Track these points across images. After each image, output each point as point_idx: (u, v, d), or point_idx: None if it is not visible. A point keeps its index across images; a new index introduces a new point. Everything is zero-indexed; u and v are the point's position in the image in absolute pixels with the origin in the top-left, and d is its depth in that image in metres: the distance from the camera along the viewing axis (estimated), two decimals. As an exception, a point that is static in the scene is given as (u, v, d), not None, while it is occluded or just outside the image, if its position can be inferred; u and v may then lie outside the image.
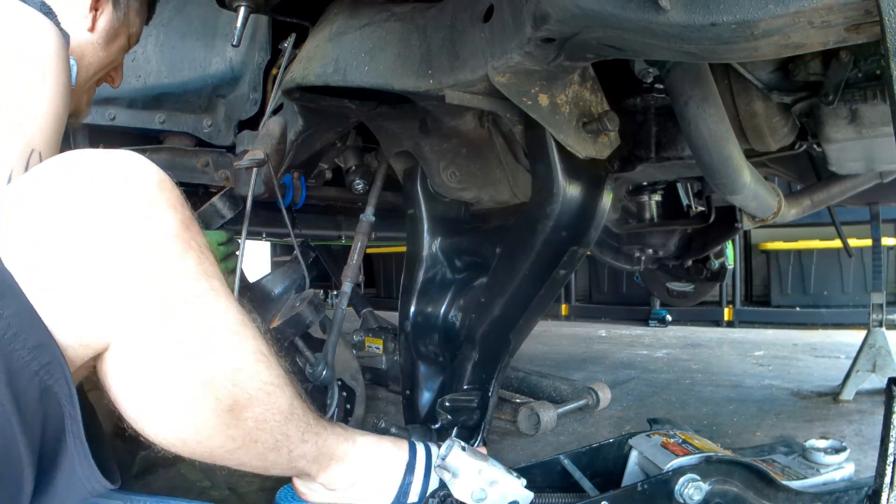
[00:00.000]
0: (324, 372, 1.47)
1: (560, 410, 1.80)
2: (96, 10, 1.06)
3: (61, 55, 0.84)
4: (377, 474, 0.93)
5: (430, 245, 1.44)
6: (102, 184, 0.66)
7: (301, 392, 0.84)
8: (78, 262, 0.62)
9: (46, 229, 0.62)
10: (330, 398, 1.37)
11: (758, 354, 3.15)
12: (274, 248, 5.80)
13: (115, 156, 0.69)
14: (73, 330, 0.63)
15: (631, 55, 1.04)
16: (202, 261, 0.71)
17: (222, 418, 0.72)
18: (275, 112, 1.41)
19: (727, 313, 4.59)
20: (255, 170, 1.26)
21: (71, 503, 0.65)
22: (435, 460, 0.96)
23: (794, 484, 0.97)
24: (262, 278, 1.40)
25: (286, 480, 0.97)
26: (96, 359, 0.67)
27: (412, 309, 1.41)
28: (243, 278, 1.32)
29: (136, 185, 0.67)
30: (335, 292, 6.29)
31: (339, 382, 1.45)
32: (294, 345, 1.44)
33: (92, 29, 1.06)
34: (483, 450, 1.04)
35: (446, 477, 0.91)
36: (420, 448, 0.98)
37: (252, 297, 1.28)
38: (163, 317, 0.67)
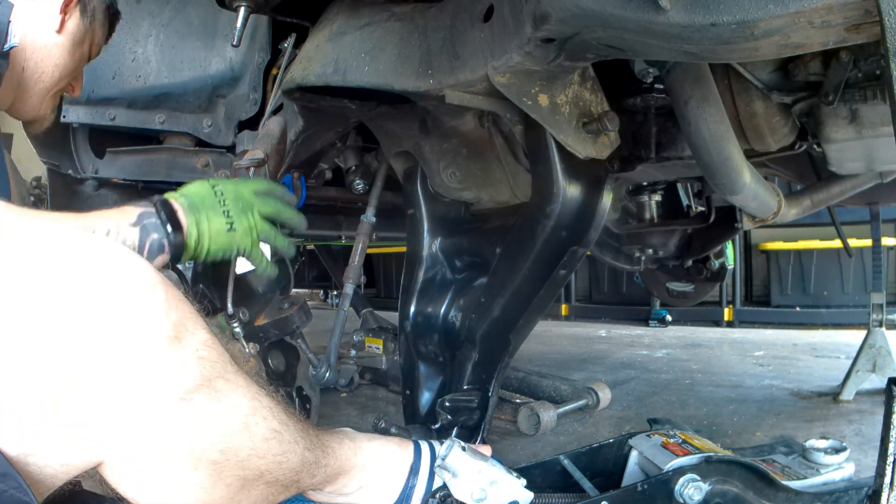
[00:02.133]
0: (327, 374, 1.47)
1: (560, 410, 1.80)
2: (65, 13, 1.07)
3: None
4: (382, 477, 0.93)
5: (430, 245, 1.44)
6: (81, 287, 0.60)
7: (310, 430, 0.83)
8: (48, 381, 0.57)
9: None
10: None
11: (758, 354, 3.15)
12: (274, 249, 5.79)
13: (102, 258, 0.63)
14: (53, 456, 0.59)
15: (631, 55, 1.04)
16: (201, 360, 0.67)
17: (233, 499, 0.72)
18: (275, 112, 1.41)
19: (727, 313, 4.58)
20: (252, 169, 1.26)
21: None
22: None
23: (794, 484, 0.97)
24: (249, 273, 1.40)
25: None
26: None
27: (412, 309, 1.41)
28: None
29: (123, 295, 0.62)
30: (335, 292, 6.31)
31: (300, 390, 1.45)
32: (296, 347, 1.44)
33: (60, 31, 1.07)
34: (487, 449, 1.04)
35: (446, 477, 0.91)
36: (425, 449, 0.98)
37: (238, 290, 1.28)
38: (158, 425, 0.63)
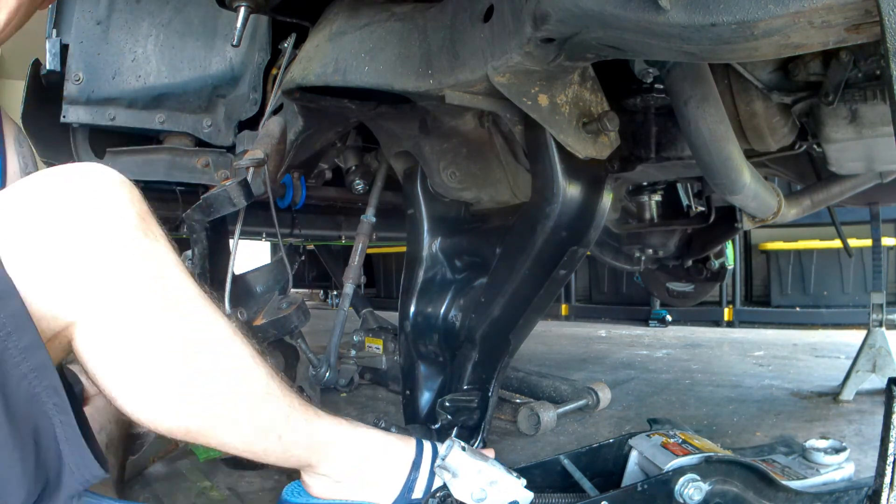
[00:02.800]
0: (327, 374, 1.47)
1: (560, 410, 1.80)
2: None
3: None
4: (383, 468, 0.93)
5: (430, 245, 1.44)
6: (70, 193, 0.71)
7: (279, 376, 0.85)
8: (49, 249, 0.68)
9: (29, 229, 0.69)
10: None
11: (758, 354, 3.15)
12: (274, 248, 5.80)
13: (80, 168, 0.75)
14: (44, 302, 0.67)
15: (631, 55, 1.04)
16: (157, 244, 0.76)
17: (189, 388, 0.74)
18: (275, 112, 1.41)
19: (727, 313, 4.58)
20: (251, 169, 1.26)
21: (63, 498, 0.66)
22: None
23: (794, 484, 0.97)
24: (247, 273, 1.40)
25: (287, 479, 0.97)
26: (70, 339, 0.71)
27: (412, 309, 1.41)
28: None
29: (96, 190, 0.73)
30: (335, 292, 6.32)
31: (301, 390, 1.45)
32: (296, 347, 1.44)
33: None
34: (491, 452, 1.04)
35: (446, 477, 0.91)
36: (427, 445, 0.99)
37: (237, 290, 1.28)
38: (120, 292, 0.71)
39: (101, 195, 0.73)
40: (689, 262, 2.27)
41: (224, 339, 0.79)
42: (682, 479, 0.89)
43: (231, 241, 1.34)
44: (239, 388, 0.78)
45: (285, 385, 0.85)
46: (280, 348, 1.41)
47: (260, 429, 0.81)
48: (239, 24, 1.08)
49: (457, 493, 0.90)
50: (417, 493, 0.94)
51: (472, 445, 1.07)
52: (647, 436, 1.04)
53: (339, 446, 0.90)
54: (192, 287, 0.78)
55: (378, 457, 0.93)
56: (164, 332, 0.73)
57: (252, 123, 1.53)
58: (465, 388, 1.27)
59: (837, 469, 1.03)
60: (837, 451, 1.04)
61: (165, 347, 0.73)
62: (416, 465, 0.95)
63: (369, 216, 1.63)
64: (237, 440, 0.80)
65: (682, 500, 0.89)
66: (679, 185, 2.08)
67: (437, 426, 1.24)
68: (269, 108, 1.42)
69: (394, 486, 0.93)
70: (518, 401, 1.88)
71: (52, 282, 0.67)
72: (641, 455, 1.02)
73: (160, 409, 0.74)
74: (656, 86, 1.21)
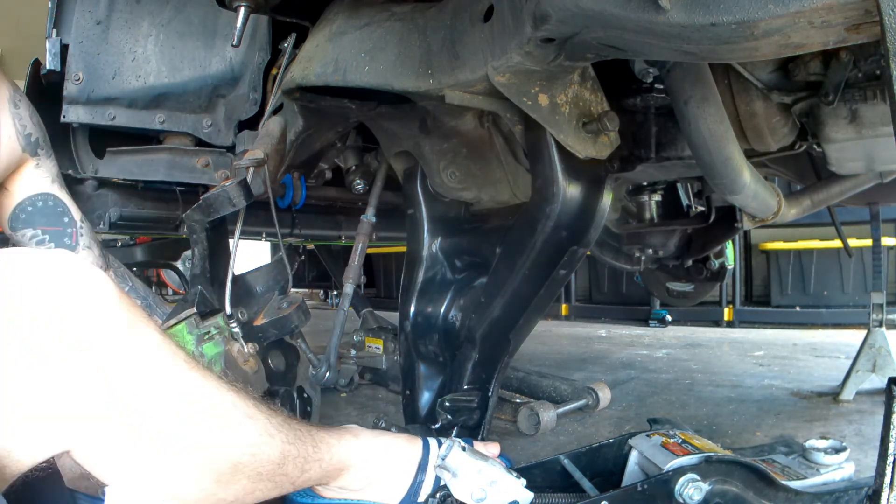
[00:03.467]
0: (327, 374, 1.47)
1: (560, 410, 1.80)
2: None
3: None
4: (390, 472, 0.93)
5: (430, 245, 1.43)
6: (38, 295, 0.63)
7: (294, 424, 0.82)
8: (37, 378, 0.60)
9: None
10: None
11: (758, 354, 3.15)
12: (274, 248, 5.80)
13: (50, 270, 0.65)
14: (18, 446, 0.60)
15: (631, 55, 1.04)
16: (160, 345, 0.70)
17: (210, 491, 0.71)
18: (275, 112, 1.41)
19: (727, 313, 4.58)
20: (251, 169, 1.26)
21: None
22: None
23: (794, 484, 0.97)
24: (247, 273, 1.40)
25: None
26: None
27: (412, 309, 1.41)
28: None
29: (76, 293, 0.65)
30: (335, 292, 6.31)
31: (301, 390, 1.45)
32: (296, 347, 1.44)
33: None
34: (496, 446, 1.04)
35: (446, 477, 0.91)
36: (433, 446, 0.98)
37: (237, 290, 1.28)
38: (123, 410, 0.65)
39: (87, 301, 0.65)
40: (689, 262, 2.27)
41: (238, 434, 0.74)
42: (682, 479, 0.89)
43: (231, 241, 1.34)
44: (257, 470, 0.75)
45: (297, 432, 0.82)
46: (280, 348, 1.41)
47: (277, 487, 0.80)
48: (239, 24, 1.08)
49: (457, 493, 0.90)
50: (424, 494, 0.94)
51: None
52: (647, 436, 1.04)
53: (349, 468, 0.90)
54: (197, 384, 0.72)
55: (383, 461, 0.93)
56: (169, 453, 0.68)
57: (252, 123, 1.52)
58: (465, 388, 1.27)
59: (837, 469, 1.03)
60: (837, 451, 1.04)
61: (176, 467, 0.69)
62: (422, 466, 0.95)
63: (369, 216, 1.63)
64: (255, 500, 0.78)
65: (682, 500, 0.89)
66: (679, 185, 2.08)
67: (437, 426, 1.24)
68: (269, 108, 1.42)
69: (400, 486, 0.93)
70: (518, 401, 1.88)
71: (33, 420, 0.60)
72: (641, 455, 1.02)
73: (186, 495, 0.71)
74: (656, 86, 1.21)
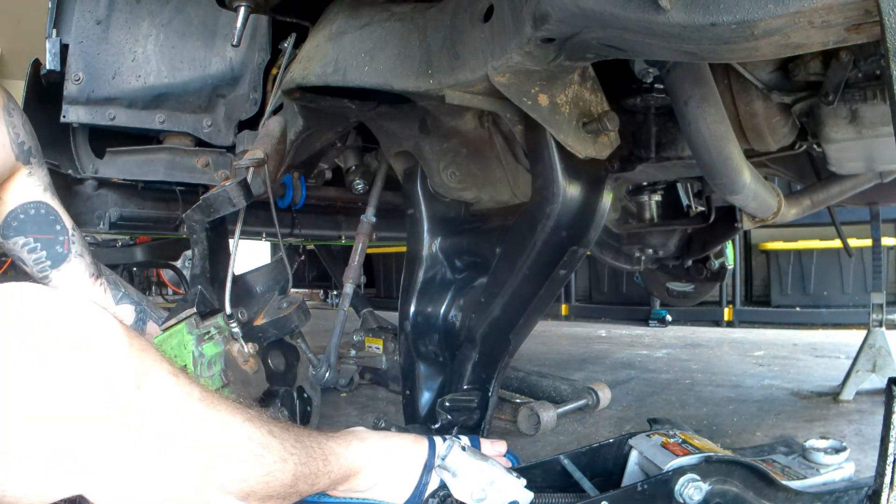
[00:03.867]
0: (327, 374, 1.47)
1: (560, 410, 1.80)
2: None
3: None
4: (397, 473, 0.94)
5: (430, 245, 1.44)
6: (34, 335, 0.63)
7: (307, 440, 0.83)
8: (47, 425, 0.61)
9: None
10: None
11: (758, 354, 3.15)
12: (274, 248, 5.80)
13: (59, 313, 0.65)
14: (30, 488, 0.61)
15: (631, 55, 1.04)
16: (175, 385, 0.70)
17: None
18: (275, 112, 1.41)
19: (727, 313, 4.58)
20: (251, 169, 1.26)
21: None
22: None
23: (794, 484, 0.97)
24: (247, 273, 1.40)
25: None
26: None
27: (412, 309, 1.41)
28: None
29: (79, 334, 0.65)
30: (335, 292, 6.31)
31: (301, 390, 1.45)
32: (296, 347, 1.44)
33: None
34: (503, 444, 1.04)
35: (446, 477, 0.91)
36: (439, 445, 0.98)
37: (237, 290, 1.28)
38: (133, 451, 0.65)
39: (95, 350, 0.64)
40: (689, 262, 2.27)
41: (251, 468, 0.74)
42: (682, 479, 0.89)
43: (231, 241, 1.34)
44: (270, 493, 0.76)
45: (309, 448, 0.82)
46: (280, 348, 1.41)
47: (286, 500, 0.80)
48: (239, 24, 1.08)
49: (457, 493, 0.90)
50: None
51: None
52: (647, 436, 1.04)
53: (356, 474, 0.90)
54: (209, 413, 0.72)
55: (389, 462, 0.93)
56: (187, 488, 0.69)
57: (252, 123, 1.53)
58: (465, 387, 1.27)
59: (837, 469, 1.03)
60: (837, 451, 1.04)
61: (198, 487, 0.69)
62: (427, 467, 0.95)
63: (369, 216, 1.63)
64: None
65: (682, 500, 0.89)
66: (679, 185, 2.08)
67: (437, 426, 1.24)
68: (269, 108, 1.42)
69: (406, 486, 0.93)
70: (518, 401, 1.88)
71: (45, 460, 0.61)
72: (641, 455, 1.02)
73: None
74: (656, 86, 1.21)
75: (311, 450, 0.83)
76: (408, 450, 0.96)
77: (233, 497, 0.72)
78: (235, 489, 0.72)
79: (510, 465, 1.03)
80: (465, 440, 1.03)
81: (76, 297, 0.67)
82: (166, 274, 7.07)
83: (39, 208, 1.21)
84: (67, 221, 1.25)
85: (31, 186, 1.20)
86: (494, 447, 1.06)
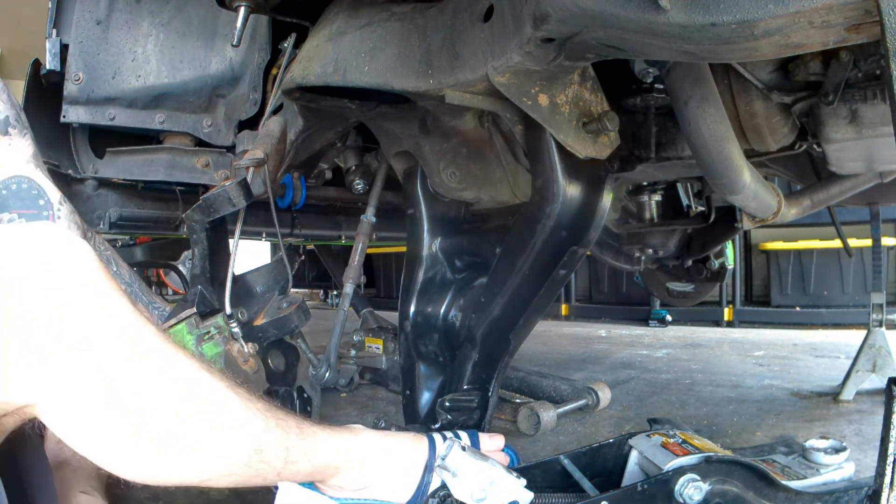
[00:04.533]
0: (327, 374, 1.47)
1: (560, 410, 1.80)
2: None
3: None
4: (394, 473, 0.92)
5: (430, 245, 1.43)
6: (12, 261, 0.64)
7: (280, 414, 0.80)
8: None
9: None
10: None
11: (758, 354, 3.15)
12: (274, 248, 5.80)
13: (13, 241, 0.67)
14: None
15: (631, 55, 1.04)
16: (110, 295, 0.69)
17: (177, 463, 0.70)
18: (275, 112, 1.41)
19: (727, 313, 4.58)
20: (251, 169, 1.26)
21: None
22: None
23: (794, 484, 0.97)
24: (247, 273, 1.40)
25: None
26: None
27: (412, 309, 1.41)
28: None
29: (53, 261, 0.66)
30: (335, 292, 6.31)
31: (301, 390, 1.45)
32: (296, 347, 1.44)
33: None
34: (500, 438, 1.04)
35: (446, 477, 0.91)
36: (439, 446, 0.98)
37: (237, 290, 1.28)
38: (84, 368, 0.64)
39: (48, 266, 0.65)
40: (689, 262, 2.27)
41: (210, 388, 0.72)
42: (682, 479, 0.89)
43: (231, 241, 1.34)
44: (230, 452, 0.73)
45: (282, 421, 0.80)
46: (280, 348, 1.42)
47: (258, 475, 0.77)
48: (239, 24, 1.08)
49: (457, 493, 0.90)
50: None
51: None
52: (647, 436, 1.04)
53: (342, 469, 0.88)
54: (160, 338, 0.71)
55: (388, 463, 0.92)
56: (133, 414, 0.66)
57: (252, 123, 1.53)
58: (465, 387, 1.27)
59: (837, 469, 1.03)
60: (837, 451, 1.04)
61: (141, 429, 0.67)
62: (429, 467, 0.95)
63: (369, 216, 1.63)
64: (239, 485, 0.77)
65: (682, 500, 0.89)
66: (679, 185, 2.08)
67: (437, 426, 1.24)
68: (269, 108, 1.42)
69: (408, 486, 0.92)
70: (518, 401, 1.88)
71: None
72: (641, 455, 1.02)
73: (150, 474, 0.69)
74: (656, 86, 1.21)
75: (284, 422, 0.80)
76: (407, 449, 0.95)
77: (188, 441, 0.70)
78: (191, 436, 0.70)
79: (509, 462, 1.03)
80: (464, 436, 1.03)
81: (78, 289, 0.66)
82: (167, 274, 7.07)
83: (21, 182, 1.17)
84: (53, 195, 1.21)
85: (12, 159, 1.17)
86: (493, 441, 1.05)
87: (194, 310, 1.21)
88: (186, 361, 0.72)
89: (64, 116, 1.42)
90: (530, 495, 0.92)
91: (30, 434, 0.69)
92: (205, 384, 0.73)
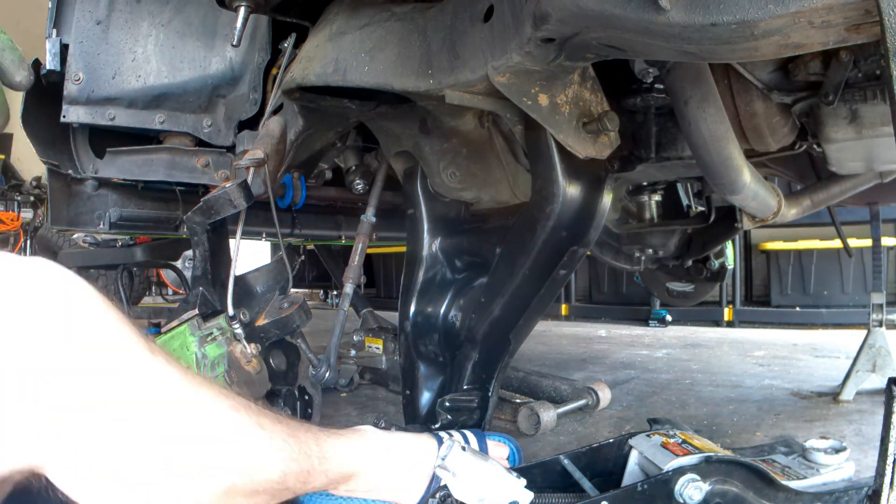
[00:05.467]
0: (327, 374, 1.47)
1: (560, 410, 1.80)
2: None
3: None
4: (404, 474, 0.92)
5: (430, 245, 1.43)
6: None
7: (302, 436, 0.80)
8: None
9: None
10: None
11: (758, 354, 3.15)
12: (274, 248, 5.80)
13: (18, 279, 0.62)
14: None
15: (631, 55, 1.04)
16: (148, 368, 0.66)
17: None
18: (275, 112, 1.41)
19: (727, 313, 4.59)
20: (251, 170, 1.26)
21: None
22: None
23: (794, 484, 0.97)
24: (247, 273, 1.40)
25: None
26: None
27: (412, 309, 1.41)
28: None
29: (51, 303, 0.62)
30: (335, 292, 6.31)
31: (302, 389, 1.45)
32: (297, 346, 1.45)
33: None
34: (505, 449, 1.04)
35: (446, 477, 0.91)
36: (447, 447, 0.97)
37: (237, 291, 1.28)
38: (98, 428, 0.61)
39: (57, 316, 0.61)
40: (689, 262, 2.27)
41: (237, 430, 0.71)
42: (682, 479, 0.89)
43: (232, 242, 1.34)
44: (256, 487, 0.72)
45: (303, 444, 0.79)
46: (282, 348, 1.42)
47: (276, 498, 0.77)
48: (239, 24, 1.08)
49: (457, 493, 0.90)
50: None
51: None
52: (647, 436, 1.04)
53: (355, 475, 0.88)
54: (175, 377, 0.68)
55: (398, 463, 0.92)
56: (155, 477, 0.64)
57: (252, 123, 1.53)
58: (465, 387, 1.27)
59: (837, 469, 1.03)
60: (837, 451, 1.04)
61: (165, 492, 0.65)
62: None
63: (369, 216, 1.63)
64: None
65: (682, 500, 0.89)
66: (679, 185, 2.08)
67: (437, 426, 1.24)
68: (269, 108, 1.42)
69: (417, 488, 0.93)
70: (518, 401, 1.88)
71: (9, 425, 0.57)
72: (641, 455, 1.02)
73: None
74: (656, 86, 1.21)
75: (306, 446, 0.80)
76: (415, 451, 0.95)
77: (212, 489, 0.68)
78: (216, 482, 0.69)
79: (511, 458, 1.03)
80: (471, 437, 1.03)
81: (83, 337, 0.63)
82: (167, 274, 7.07)
83: None
84: None
85: None
86: (498, 450, 1.06)
87: (196, 311, 1.21)
88: (210, 403, 0.70)
89: (64, 116, 1.42)
90: (530, 495, 0.92)
91: (37, 487, 0.65)
92: (232, 426, 0.71)
